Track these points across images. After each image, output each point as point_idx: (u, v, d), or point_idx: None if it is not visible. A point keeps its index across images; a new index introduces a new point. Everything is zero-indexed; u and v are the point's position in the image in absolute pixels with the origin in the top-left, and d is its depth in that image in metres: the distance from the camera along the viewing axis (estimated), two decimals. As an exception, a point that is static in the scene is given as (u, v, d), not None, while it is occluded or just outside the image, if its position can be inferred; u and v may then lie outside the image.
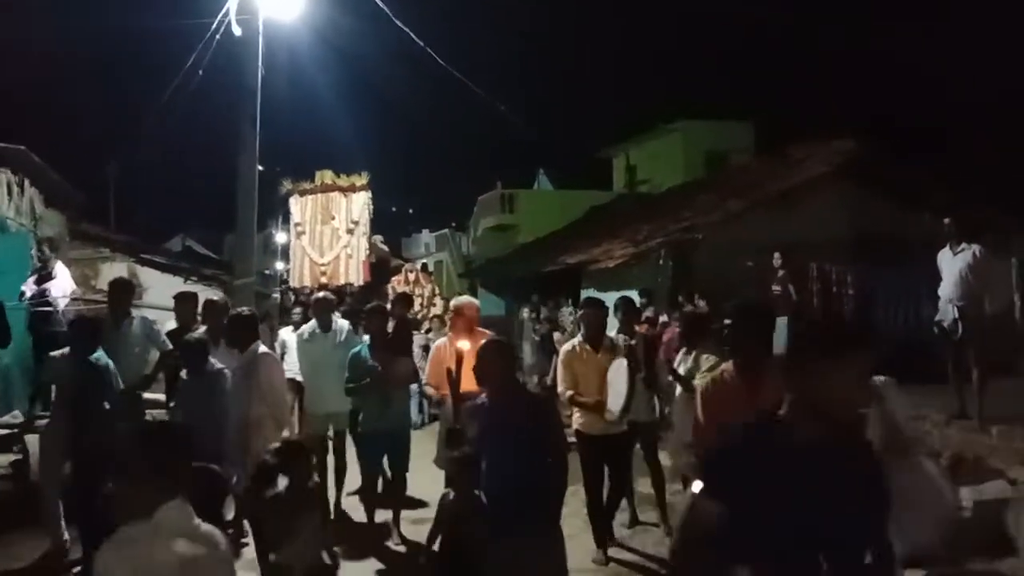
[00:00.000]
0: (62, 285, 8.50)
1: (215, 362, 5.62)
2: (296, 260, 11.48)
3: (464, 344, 5.22)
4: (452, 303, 6.33)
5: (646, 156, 29.02)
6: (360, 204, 11.28)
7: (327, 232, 11.25)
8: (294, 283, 11.42)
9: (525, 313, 14.48)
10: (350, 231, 11.19)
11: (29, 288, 8.37)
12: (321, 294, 7.82)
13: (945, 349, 7.69)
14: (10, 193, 10.69)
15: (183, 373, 5.66)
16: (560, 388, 5.89)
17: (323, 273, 11.10)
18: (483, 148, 59.14)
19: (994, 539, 5.32)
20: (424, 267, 20.82)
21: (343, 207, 11.28)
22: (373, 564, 5.98)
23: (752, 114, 28.16)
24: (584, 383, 5.72)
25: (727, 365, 3.74)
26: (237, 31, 9.28)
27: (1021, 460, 6.36)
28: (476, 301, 6.43)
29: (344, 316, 12.14)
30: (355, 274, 11.11)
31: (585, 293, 15.16)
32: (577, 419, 5.86)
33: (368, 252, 11.39)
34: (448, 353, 5.72)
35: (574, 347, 5.87)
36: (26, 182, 11.13)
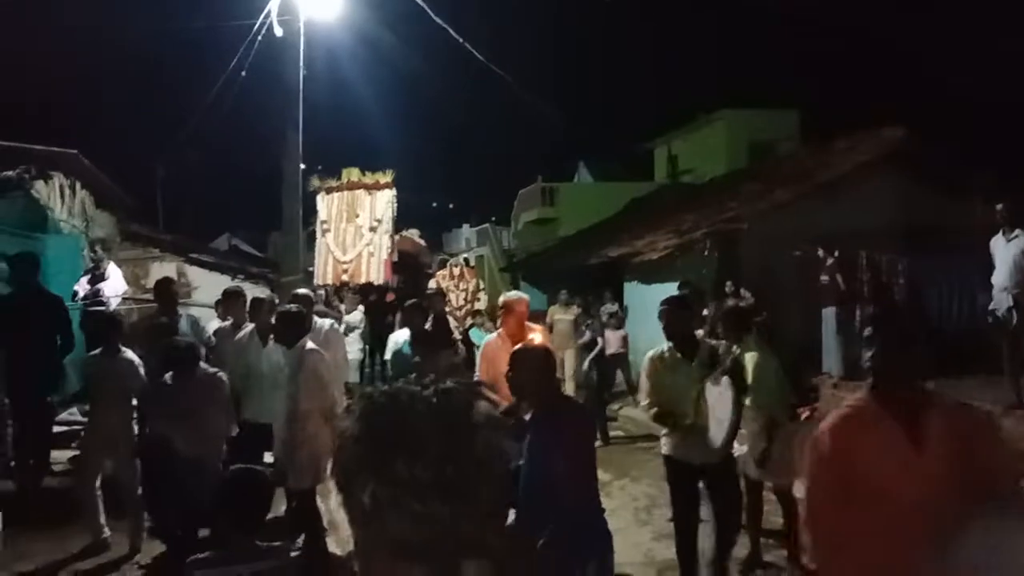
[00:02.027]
0: (115, 285, 8.71)
1: (206, 366, 5.65)
2: (320, 258, 11.34)
3: (537, 336, 5.06)
4: (501, 299, 5.99)
5: (688, 146, 28.77)
6: (384, 202, 11.15)
7: (351, 230, 11.15)
8: (318, 281, 11.27)
9: (558, 311, 12.40)
10: (373, 229, 11.05)
11: (82, 288, 8.58)
12: (302, 291, 7.61)
13: (1000, 338, 7.52)
14: (62, 196, 10.96)
15: (168, 375, 5.42)
16: (643, 403, 5.16)
17: (345, 271, 11.06)
18: (523, 142, 59.18)
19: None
20: (466, 261, 20.84)
21: (367, 205, 11.17)
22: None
23: (796, 103, 27.71)
24: (674, 397, 4.78)
25: (858, 397, 2.66)
26: (279, 32, 9.39)
27: (1081, 452, 6.17)
28: (526, 296, 6.05)
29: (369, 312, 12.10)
30: (376, 273, 11.00)
31: (628, 286, 15.08)
32: (665, 441, 4.96)
33: (390, 251, 11.32)
34: (500, 350, 5.42)
35: (661, 353, 4.94)
36: (77, 185, 11.39)
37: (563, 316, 12.27)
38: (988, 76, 24.49)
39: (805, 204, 12.18)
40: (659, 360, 4.93)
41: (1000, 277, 7.39)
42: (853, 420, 2.57)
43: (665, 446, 4.94)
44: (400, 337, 7.24)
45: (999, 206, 7.50)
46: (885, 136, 13.02)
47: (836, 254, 10.20)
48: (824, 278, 10.17)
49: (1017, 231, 7.30)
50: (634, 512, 6.88)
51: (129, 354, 5.96)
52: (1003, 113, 21.65)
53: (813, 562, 2.53)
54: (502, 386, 4.91)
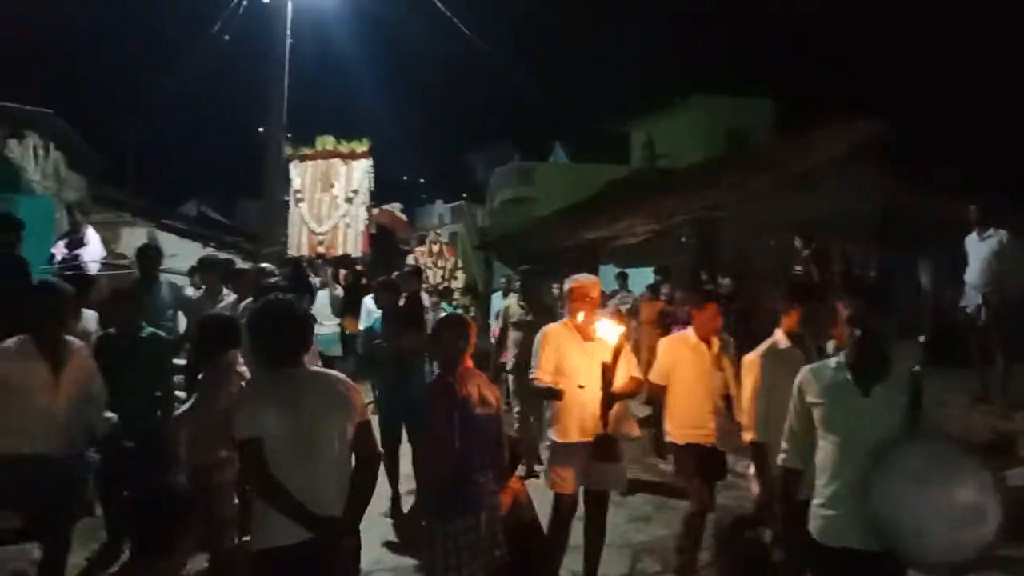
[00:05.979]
0: (93, 251, 8.57)
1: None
2: (295, 228, 11.14)
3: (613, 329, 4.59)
4: (572, 280, 4.96)
5: (665, 131, 28.73)
6: (360, 172, 10.95)
7: (326, 200, 10.98)
8: (292, 251, 11.06)
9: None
10: (349, 200, 10.90)
11: (59, 252, 8.44)
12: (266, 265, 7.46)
13: (970, 334, 7.70)
14: (36, 156, 10.75)
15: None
16: (783, 452, 3.43)
17: (320, 243, 10.88)
18: (499, 120, 58.87)
19: (1020, 527, 5.29)
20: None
21: (343, 175, 10.97)
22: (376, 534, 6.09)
23: (772, 91, 27.80)
24: (836, 441, 3.11)
25: None
26: (265, -2, 9.27)
27: (1046, 446, 6.32)
28: (597, 279, 5.07)
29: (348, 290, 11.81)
30: (353, 245, 10.83)
31: (604, 269, 15.13)
32: (817, 519, 3.12)
33: (367, 223, 11.15)
34: (567, 338, 4.80)
35: (815, 368, 3.27)
36: (51, 145, 11.18)
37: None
38: (969, 72, 24.75)
39: (782, 193, 12.27)
40: (813, 378, 3.17)
41: (973, 275, 7.56)
42: None
43: (813, 519, 3.14)
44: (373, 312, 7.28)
45: (972, 206, 7.65)
46: (861, 128, 13.13)
47: (813, 245, 10.31)
48: (798, 268, 10.28)
49: (990, 231, 7.46)
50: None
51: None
52: (982, 110, 21.94)
53: None
54: (564, 373, 4.66)
